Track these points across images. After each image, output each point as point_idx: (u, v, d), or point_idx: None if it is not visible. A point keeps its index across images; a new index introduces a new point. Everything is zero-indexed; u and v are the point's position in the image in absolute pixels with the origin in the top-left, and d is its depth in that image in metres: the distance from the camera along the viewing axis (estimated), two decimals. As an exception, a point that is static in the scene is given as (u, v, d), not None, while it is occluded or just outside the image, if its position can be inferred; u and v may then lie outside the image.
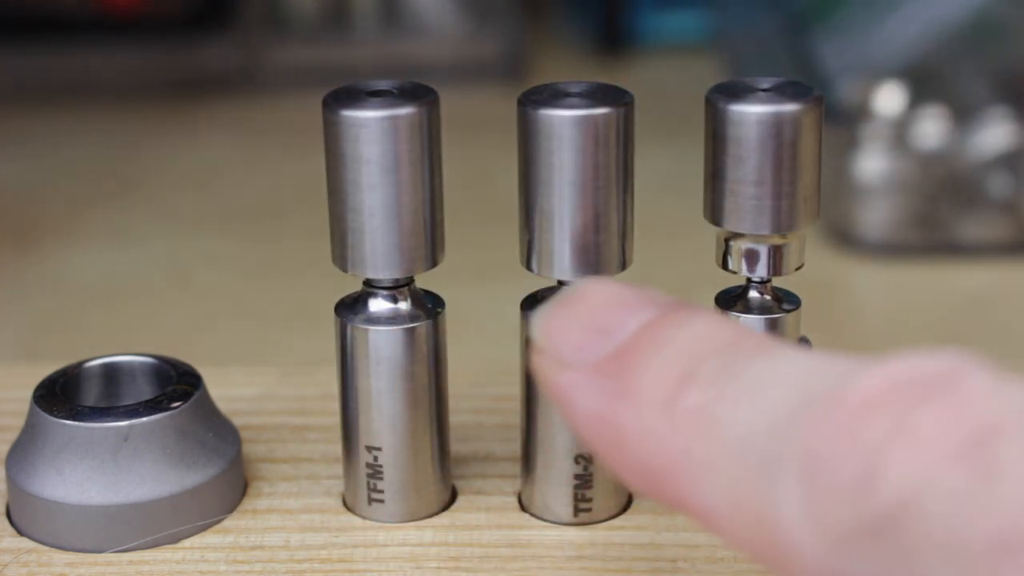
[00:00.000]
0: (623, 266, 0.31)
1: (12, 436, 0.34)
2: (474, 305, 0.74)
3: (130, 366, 0.35)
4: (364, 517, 0.33)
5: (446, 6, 1.25)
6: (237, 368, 0.40)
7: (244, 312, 0.87)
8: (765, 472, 0.21)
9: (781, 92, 0.30)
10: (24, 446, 0.32)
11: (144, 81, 1.21)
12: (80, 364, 0.34)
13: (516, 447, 0.34)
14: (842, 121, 0.93)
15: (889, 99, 0.94)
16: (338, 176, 0.30)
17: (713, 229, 0.31)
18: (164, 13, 1.22)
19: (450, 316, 0.33)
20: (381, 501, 0.33)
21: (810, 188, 0.30)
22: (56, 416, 0.32)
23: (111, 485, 0.31)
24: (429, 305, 0.32)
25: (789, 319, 0.32)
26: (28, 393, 0.33)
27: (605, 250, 0.30)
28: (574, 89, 0.30)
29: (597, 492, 0.32)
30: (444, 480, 0.33)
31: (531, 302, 0.32)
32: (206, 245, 0.96)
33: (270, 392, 0.39)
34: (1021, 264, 0.90)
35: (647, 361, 0.23)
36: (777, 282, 0.32)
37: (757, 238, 0.31)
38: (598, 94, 0.30)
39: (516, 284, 0.35)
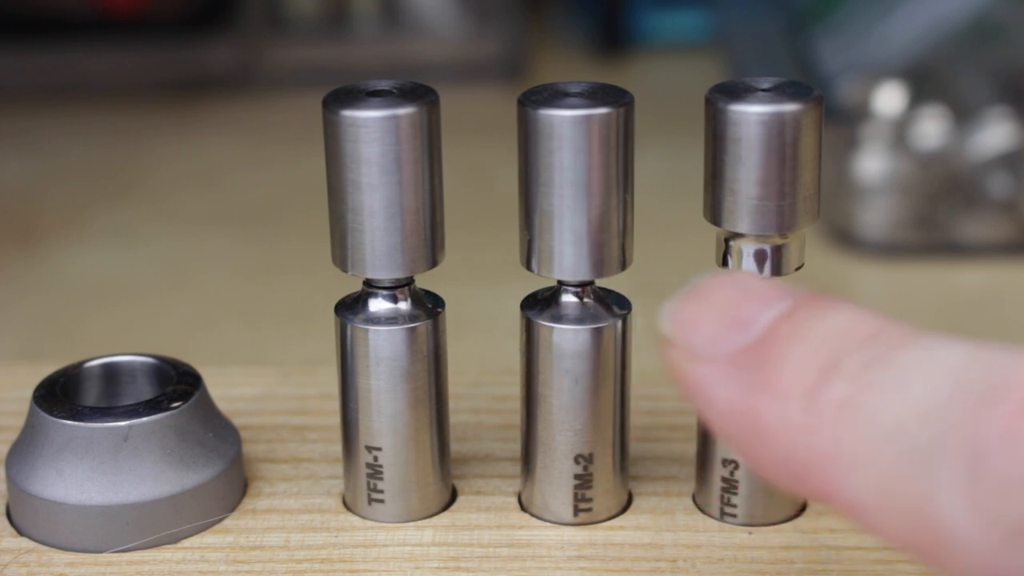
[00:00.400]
0: (623, 266, 0.31)
1: (12, 436, 0.34)
2: (474, 305, 0.75)
3: (130, 366, 0.35)
4: (364, 517, 0.33)
5: (446, 6, 1.25)
6: (237, 368, 0.40)
7: (244, 312, 0.87)
8: (921, 464, 0.20)
9: (781, 92, 0.30)
10: (24, 446, 0.32)
11: (144, 81, 1.21)
12: (80, 364, 0.34)
13: (516, 447, 0.34)
14: (842, 121, 0.93)
15: (889, 99, 0.94)
16: (338, 176, 0.30)
17: (713, 229, 0.31)
18: (164, 13, 1.22)
19: (450, 316, 0.33)
20: (381, 501, 0.33)
21: (810, 188, 0.30)
22: (56, 416, 0.32)
23: (111, 485, 0.31)
24: (429, 305, 0.32)
25: (789, 319, 0.32)
26: (28, 393, 0.33)
27: (605, 250, 0.30)
28: (574, 89, 0.30)
29: (597, 492, 0.33)
30: (444, 480, 0.33)
31: (531, 302, 0.32)
32: (206, 245, 0.96)
33: (270, 392, 0.39)
34: (1021, 264, 0.90)
35: (787, 353, 0.23)
36: (777, 282, 0.32)
37: (757, 238, 0.31)
38: (598, 94, 0.30)
39: (516, 284, 0.35)
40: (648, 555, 0.32)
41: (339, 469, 0.34)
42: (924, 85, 0.95)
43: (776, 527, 0.33)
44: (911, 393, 0.21)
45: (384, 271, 0.31)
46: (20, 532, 0.33)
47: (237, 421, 0.35)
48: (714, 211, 0.31)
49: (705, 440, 0.33)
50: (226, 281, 0.91)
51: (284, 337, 0.83)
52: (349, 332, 0.32)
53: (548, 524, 0.33)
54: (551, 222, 0.30)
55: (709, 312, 0.24)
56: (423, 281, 0.32)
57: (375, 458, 0.32)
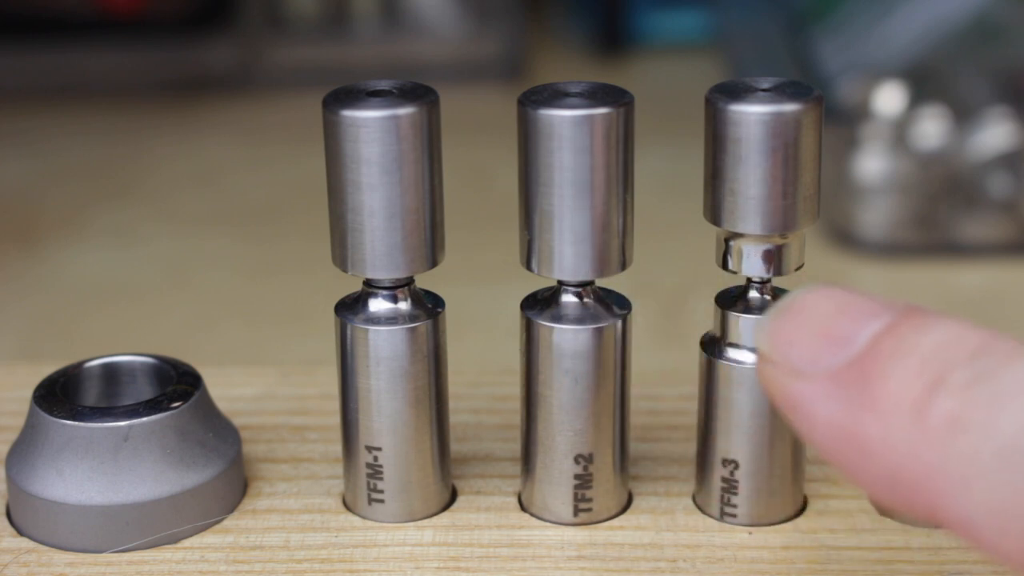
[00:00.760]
0: (623, 266, 0.31)
1: (12, 436, 0.34)
2: (474, 305, 0.75)
3: (130, 366, 0.35)
4: (364, 517, 0.33)
5: (446, 6, 1.25)
6: (237, 368, 0.40)
7: (244, 312, 0.87)
8: None
9: (781, 92, 0.30)
10: (24, 446, 0.32)
11: (144, 81, 1.21)
12: (80, 364, 0.34)
13: (516, 447, 0.34)
14: (842, 121, 0.93)
15: (889, 99, 0.94)
16: (338, 176, 0.30)
17: (713, 229, 0.31)
18: (164, 13, 1.22)
19: (450, 316, 0.33)
20: (381, 501, 0.33)
21: (810, 188, 0.30)
22: (56, 416, 0.32)
23: (111, 485, 0.31)
24: (429, 305, 0.32)
25: (789, 319, 0.32)
26: (28, 393, 0.33)
27: (605, 250, 0.30)
28: (574, 89, 0.30)
29: (597, 492, 0.32)
30: (444, 480, 0.33)
31: (531, 302, 0.32)
32: (206, 245, 0.96)
33: (270, 392, 0.39)
34: (1021, 264, 0.90)
35: (890, 369, 0.22)
36: (777, 282, 0.32)
37: (757, 238, 0.31)
38: (598, 94, 0.30)
39: (516, 284, 0.35)
40: (648, 555, 0.32)
41: (339, 469, 0.34)
42: (924, 85, 0.95)
43: (776, 527, 0.33)
44: (1021, 408, 0.21)
45: (384, 271, 0.31)
46: (20, 532, 0.33)
47: (237, 421, 0.35)
48: (714, 211, 0.31)
49: (705, 440, 0.33)
50: (226, 281, 0.91)
51: (284, 337, 0.83)
52: (349, 332, 0.32)
53: (548, 524, 0.33)
54: (551, 222, 0.30)
55: (807, 328, 0.24)
56: (423, 281, 0.32)
57: (375, 458, 0.32)
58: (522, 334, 0.32)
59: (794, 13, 1.15)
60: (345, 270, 0.31)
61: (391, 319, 0.31)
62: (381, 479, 0.33)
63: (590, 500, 0.32)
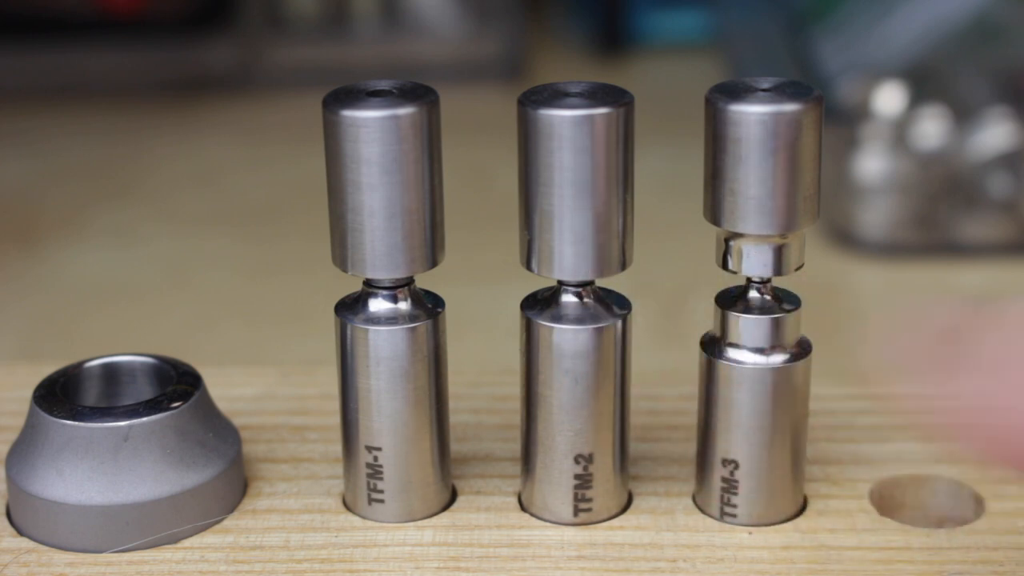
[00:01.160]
0: (623, 266, 0.31)
1: (12, 436, 0.34)
2: (474, 305, 0.75)
3: (130, 366, 0.35)
4: (364, 517, 0.33)
5: (446, 6, 1.25)
6: (237, 368, 0.40)
7: (244, 312, 0.87)
8: None
9: (781, 92, 0.30)
10: (24, 446, 0.32)
11: (144, 81, 1.21)
12: (80, 364, 0.34)
13: (516, 447, 0.34)
14: (842, 121, 0.93)
15: (889, 99, 0.94)
16: (338, 176, 0.30)
17: (713, 229, 0.31)
18: (164, 13, 1.22)
19: (450, 316, 0.33)
20: (381, 501, 0.33)
21: (810, 188, 0.30)
22: (56, 416, 0.32)
23: (111, 485, 0.31)
24: (429, 305, 0.32)
25: (789, 319, 0.32)
26: (28, 393, 0.33)
27: (605, 250, 0.30)
28: (574, 89, 0.30)
29: (597, 492, 0.32)
30: (444, 480, 0.33)
31: (531, 302, 0.32)
32: (206, 245, 0.96)
33: (270, 392, 0.39)
34: (1021, 264, 0.90)
35: None
36: (777, 282, 0.32)
37: (757, 238, 0.31)
38: (598, 94, 0.30)
39: (516, 284, 0.35)
40: (648, 555, 0.32)
41: (339, 469, 0.34)
42: (924, 85, 0.95)
43: (776, 527, 0.33)
44: None
45: (384, 271, 0.31)
46: (20, 532, 0.33)
47: (237, 421, 0.35)
48: (714, 211, 0.31)
49: (705, 440, 0.33)
50: (226, 281, 0.91)
51: (284, 337, 0.83)
52: (349, 332, 0.32)
53: (548, 524, 0.33)
54: (551, 222, 0.30)
55: None
56: (423, 281, 0.32)
57: (375, 458, 0.32)
58: (522, 334, 0.32)
59: (794, 13, 1.15)
60: (345, 270, 0.31)
61: (391, 319, 0.31)
62: (381, 479, 0.33)
63: (590, 500, 0.32)
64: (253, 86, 1.22)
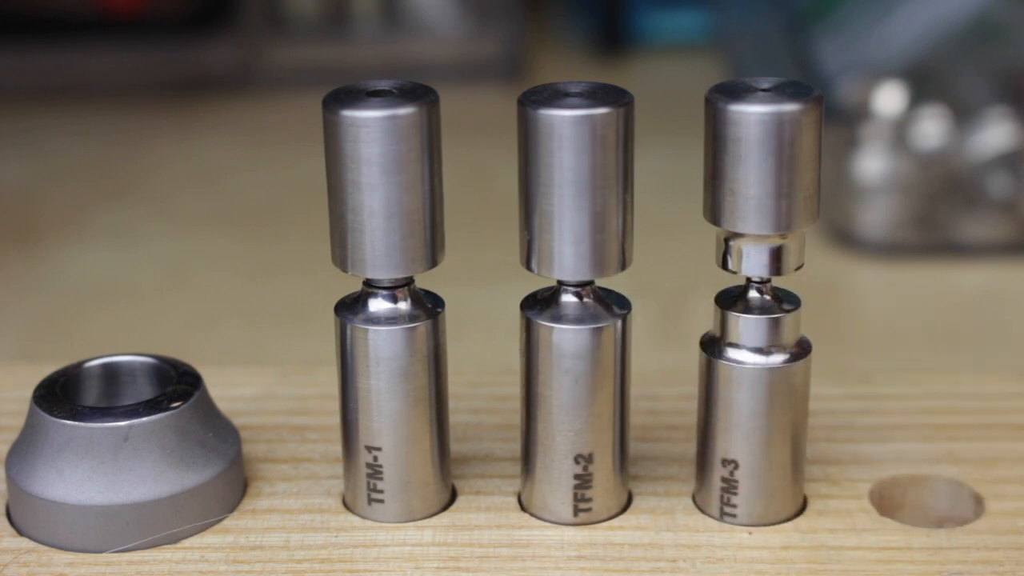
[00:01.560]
0: (623, 266, 0.31)
1: (12, 436, 0.34)
2: (474, 305, 0.75)
3: (130, 366, 0.35)
4: (364, 517, 0.33)
5: (446, 6, 1.25)
6: (237, 368, 0.40)
7: (244, 312, 0.87)
8: None
9: (781, 92, 0.30)
10: (24, 446, 0.32)
11: (144, 81, 1.21)
12: (80, 364, 0.34)
13: (516, 447, 0.34)
14: (842, 121, 0.93)
15: (889, 99, 0.94)
16: (338, 176, 0.30)
17: (713, 229, 0.31)
18: (164, 13, 1.22)
19: (450, 316, 0.33)
20: (381, 501, 0.33)
21: (810, 188, 0.30)
22: (56, 416, 0.32)
23: (111, 485, 0.31)
24: (429, 305, 0.32)
25: (789, 319, 0.32)
26: (28, 393, 0.33)
27: (605, 250, 0.30)
28: (574, 89, 0.30)
29: (597, 492, 0.33)
30: (444, 480, 0.33)
31: (531, 302, 0.32)
32: (206, 245, 0.96)
33: (270, 392, 0.39)
34: (1021, 264, 0.90)
35: None
36: (777, 282, 0.32)
37: (757, 238, 0.31)
38: (598, 94, 0.30)
39: (516, 284, 0.35)
40: (648, 555, 0.32)
41: (339, 469, 0.34)
42: (924, 85, 0.95)
43: (776, 527, 0.33)
44: None
45: (384, 271, 0.31)
46: (20, 532, 0.33)
47: (237, 421, 0.35)
48: (714, 211, 0.31)
49: (705, 440, 0.33)
50: (226, 281, 0.91)
51: (284, 337, 0.83)
52: (349, 332, 0.32)
53: (548, 524, 0.33)
54: (551, 222, 0.30)
55: None
56: (423, 281, 0.32)
57: (375, 458, 0.32)
58: (522, 334, 0.32)
59: (794, 13, 1.15)
60: (345, 270, 0.31)
61: (391, 319, 0.32)
62: (381, 479, 0.33)
63: (590, 500, 0.32)
64: (253, 86, 1.22)
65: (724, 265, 0.31)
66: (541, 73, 1.22)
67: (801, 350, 0.32)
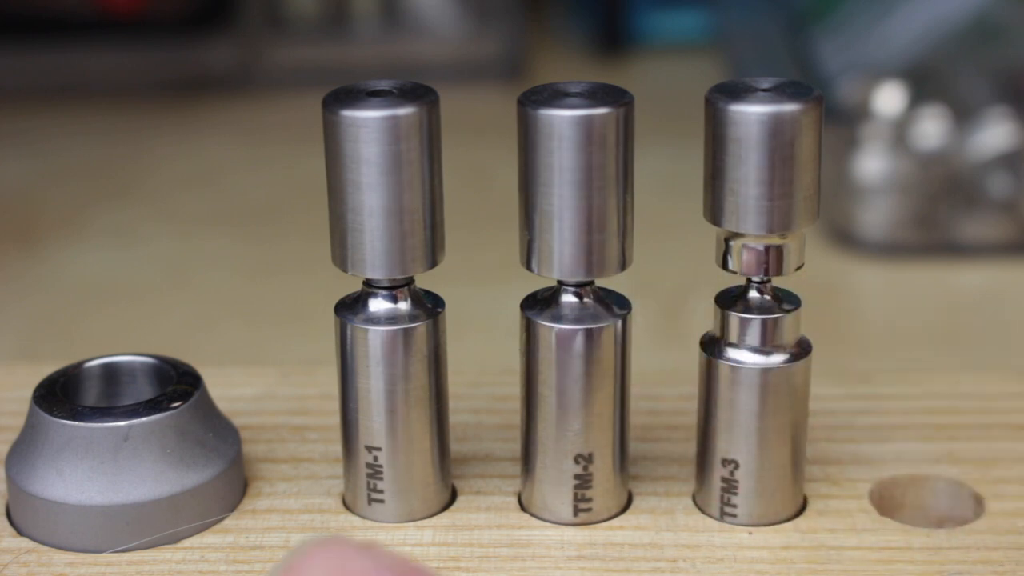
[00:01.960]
0: (623, 266, 0.31)
1: (12, 436, 0.34)
2: (474, 305, 0.75)
3: (130, 366, 0.35)
4: (364, 517, 0.33)
5: (446, 6, 1.25)
6: (237, 368, 0.40)
7: (244, 312, 0.87)
8: None
9: (781, 92, 0.30)
10: (24, 446, 0.32)
11: (144, 81, 1.21)
12: (80, 364, 0.34)
13: (516, 447, 0.34)
14: (842, 121, 0.93)
15: (889, 99, 0.94)
16: (338, 176, 0.30)
17: (713, 229, 0.31)
18: (164, 13, 1.22)
19: (450, 316, 0.33)
20: (381, 501, 0.33)
21: (810, 188, 0.30)
22: (56, 416, 0.32)
23: (111, 485, 0.31)
24: (429, 305, 0.32)
25: (789, 319, 0.32)
26: (28, 393, 0.33)
27: (605, 250, 0.30)
28: (574, 89, 0.30)
29: (597, 492, 0.33)
30: (444, 480, 0.33)
31: (531, 302, 0.32)
32: (206, 245, 0.96)
33: (270, 392, 0.39)
34: (1021, 264, 0.90)
35: None
36: (777, 282, 0.32)
37: (757, 238, 0.31)
38: (598, 94, 0.30)
39: (516, 284, 0.35)
40: (648, 555, 0.32)
41: (339, 469, 0.34)
42: (924, 85, 0.95)
43: (776, 527, 0.33)
44: None
45: (384, 271, 0.31)
46: (20, 532, 0.33)
47: (237, 421, 0.35)
48: (714, 211, 0.31)
49: (705, 440, 0.33)
50: (226, 281, 0.91)
51: (284, 337, 0.83)
52: (349, 332, 0.32)
53: (548, 524, 0.33)
54: (551, 222, 0.30)
55: None
56: (423, 281, 0.32)
57: (375, 458, 0.32)
58: (522, 334, 0.32)
59: (794, 13, 1.15)
60: (345, 270, 0.31)
61: (391, 319, 0.32)
62: (381, 479, 0.33)
63: (590, 500, 0.32)
64: (253, 86, 1.22)
65: (724, 265, 0.31)
66: (541, 73, 1.22)
67: (801, 350, 0.32)
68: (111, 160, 1.10)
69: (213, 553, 0.32)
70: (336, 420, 0.33)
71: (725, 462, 0.32)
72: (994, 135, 0.91)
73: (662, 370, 0.39)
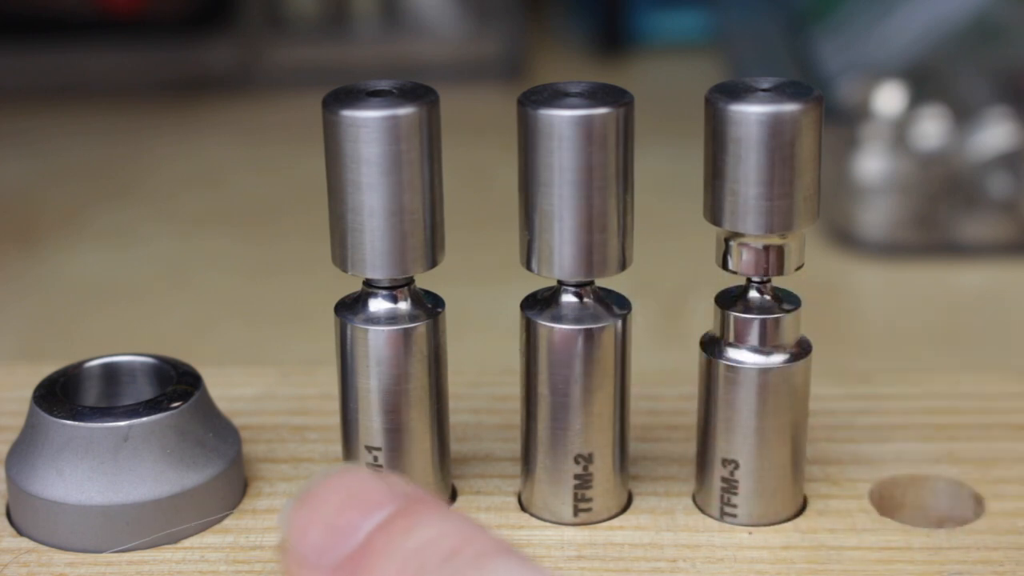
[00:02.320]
0: (623, 266, 0.31)
1: (12, 436, 0.34)
2: (474, 305, 0.75)
3: (130, 366, 0.35)
4: (364, 517, 0.33)
5: (446, 6, 1.25)
6: (237, 368, 0.40)
7: (244, 312, 0.87)
8: None
9: (781, 92, 0.30)
10: (24, 446, 0.32)
11: (144, 81, 1.21)
12: (80, 364, 0.34)
13: (516, 447, 0.34)
14: (842, 121, 0.93)
15: (889, 99, 0.94)
16: (338, 176, 0.30)
17: (713, 229, 0.31)
18: (164, 13, 1.22)
19: (450, 316, 0.33)
20: (381, 501, 0.33)
21: (810, 188, 0.30)
22: (56, 416, 0.32)
23: (111, 485, 0.31)
24: (429, 305, 0.32)
25: (789, 319, 0.32)
26: (28, 393, 0.33)
27: (605, 250, 0.30)
28: (574, 89, 0.30)
29: (597, 492, 0.32)
30: (444, 480, 0.33)
31: (531, 302, 0.32)
32: (206, 245, 0.96)
33: (270, 392, 0.39)
34: (1021, 264, 0.90)
35: (377, 567, 0.24)
36: (777, 282, 0.32)
37: (757, 238, 0.31)
38: (598, 94, 0.30)
39: (516, 284, 0.35)
40: (648, 555, 0.32)
41: (339, 469, 0.34)
42: (924, 85, 0.95)
43: (776, 527, 0.33)
44: None
45: (384, 271, 0.31)
46: (20, 532, 0.33)
47: (237, 421, 0.35)
48: (714, 211, 0.31)
49: (705, 440, 0.33)
50: (226, 281, 0.91)
51: (284, 337, 0.83)
52: (349, 332, 0.32)
53: (548, 524, 0.33)
54: (551, 222, 0.30)
55: (318, 519, 0.25)
56: (423, 281, 0.32)
57: (375, 458, 0.32)
58: (522, 334, 0.32)
59: (794, 13, 1.15)
60: (345, 270, 0.31)
61: (391, 319, 0.31)
62: (381, 479, 0.32)
63: (590, 500, 0.32)
64: (253, 86, 1.22)
65: (724, 265, 0.31)
66: (541, 73, 1.22)
67: (801, 350, 0.32)
68: (111, 160, 1.10)
69: (213, 553, 0.32)
70: (336, 420, 0.33)
71: (725, 462, 0.32)
72: (994, 135, 0.91)
73: (662, 370, 0.39)
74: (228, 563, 0.32)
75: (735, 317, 0.32)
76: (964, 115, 0.92)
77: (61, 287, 0.90)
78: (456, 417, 0.35)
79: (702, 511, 0.33)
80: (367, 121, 0.30)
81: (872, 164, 0.91)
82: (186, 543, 0.32)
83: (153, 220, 0.99)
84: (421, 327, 0.32)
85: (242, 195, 1.03)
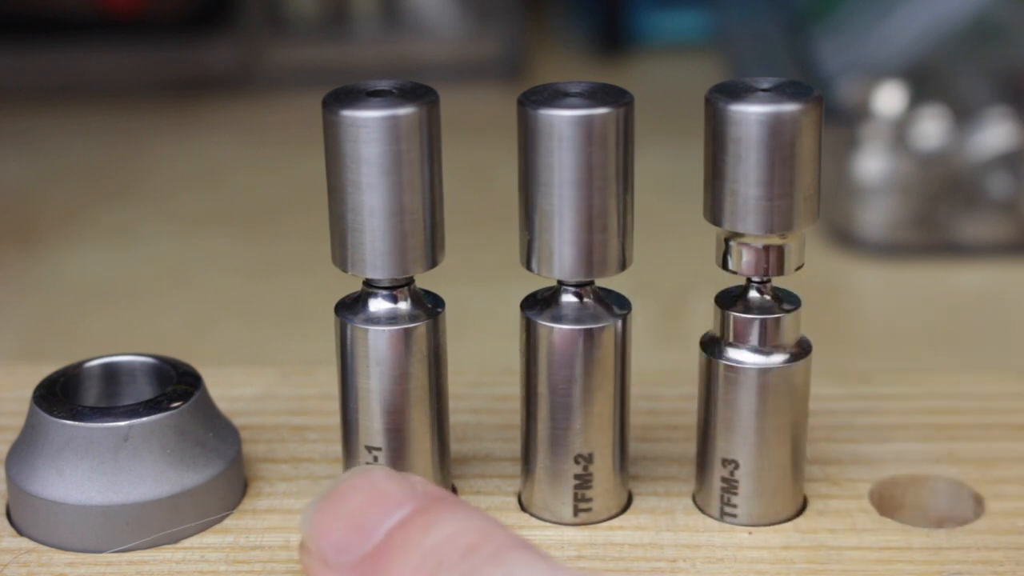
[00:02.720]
0: (623, 266, 0.31)
1: (12, 436, 0.34)
2: (474, 305, 0.75)
3: (130, 366, 0.35)
4: (364, 517, 0.33)
5: (446, 6, 1.25)
6: (237, 368, 0.40)
7: (244, 312, 0.87)
8: None
9: (781, 92, 0.30)
10: (24, 446, 0.32)
11: (144, 81, 1.21)
12: (80, 364, 0.34)
13: (516, 447, 0.34)
14: (842, 121, 0.93)
15: (889, 99, 0.94)
16: (338, 176, 0.30)
17: (713, 229, 0.31)
18: (164, 13, 1.22)
19: (450, 316, 0.33)
20: (381, 501, 0.33)
21: (810, 188, 0.30)
22: (56, 416, 0.32)
23: (111, 485, 0.31)
24: (429, 305, 0.32)
25: (789, 319, 0.32)
26: (28, 393, 0.33)
27: (605, 250, 0.30)
28: (574, 89, 0.30)
29: (597, 492, 0.33)
30: (444, 480, 0.33)
31: (531, 302, 0.32)
32: (206, 245, 0.96)
33: (270, 392, 0.39)
34: (1021, 264, 0.90)
35: (396, 565, 0.24)
36: (777, 282, 0.32)
37: (757, 238, 0.31)
38: (598, 94, 0.30)
39: (516, 284, 0.35)
40: (648, 555, 0.32)
41: (339, 469, 0.34)
42: (924, 85, 0.95)
43: (776, 527, 0.33)
44: None
45: (384, 271, 0.31)
46: (20, 532, 0.33)
47: (237, 421, 0.35)
48: (714, 211, 0.31)
49: (705, 440, 0.33)
50: (226, 281, 0.91)
51: (284, 337, 0.83)
52: (349, 332, 0.32)
53: (548, 524, 0.33)
54: (551, 222, 0.30)
55: (338, 518, 0.25)
56: (423, 281, 0.32)
57: (375, 458, 0.32)
58: (522, 334, 0.32)
59: (794, 13, 1.15)
60: (345, 270, 0.31)
61: (391, 319, 0.31)
62: (381, 479, 0.32)
63: (590, 500, 0.32)
64: (253, 86, 1.22)
65: (724, 265, 0.31)
66: (541, 73, 1.22)
67: (801, 350, 0.32)
68: (111, 160, 1.10)
69: (213, 553, 0.32)
70: (336, 420, 0.33)
71: (725, 462, 0.32)
72: (994, 135, 0.91)
73: (662, 370, 0.39)
74: (228, 563, 0.32)
75: (735, 317, 0.32)
76: (964, 115, 0.92)
77: (61, 287, 0.90)
78: (456, 417, 0.35)
79: (702, 511, 0.33)
80: (367, 121, 0.30)
81: (872, 164, 0.91)
82: (186, 543, 0.32)
83: (153, 220, 0.99)
84: (421, 327, 0.32)
85: (242, 195, 1.03)
